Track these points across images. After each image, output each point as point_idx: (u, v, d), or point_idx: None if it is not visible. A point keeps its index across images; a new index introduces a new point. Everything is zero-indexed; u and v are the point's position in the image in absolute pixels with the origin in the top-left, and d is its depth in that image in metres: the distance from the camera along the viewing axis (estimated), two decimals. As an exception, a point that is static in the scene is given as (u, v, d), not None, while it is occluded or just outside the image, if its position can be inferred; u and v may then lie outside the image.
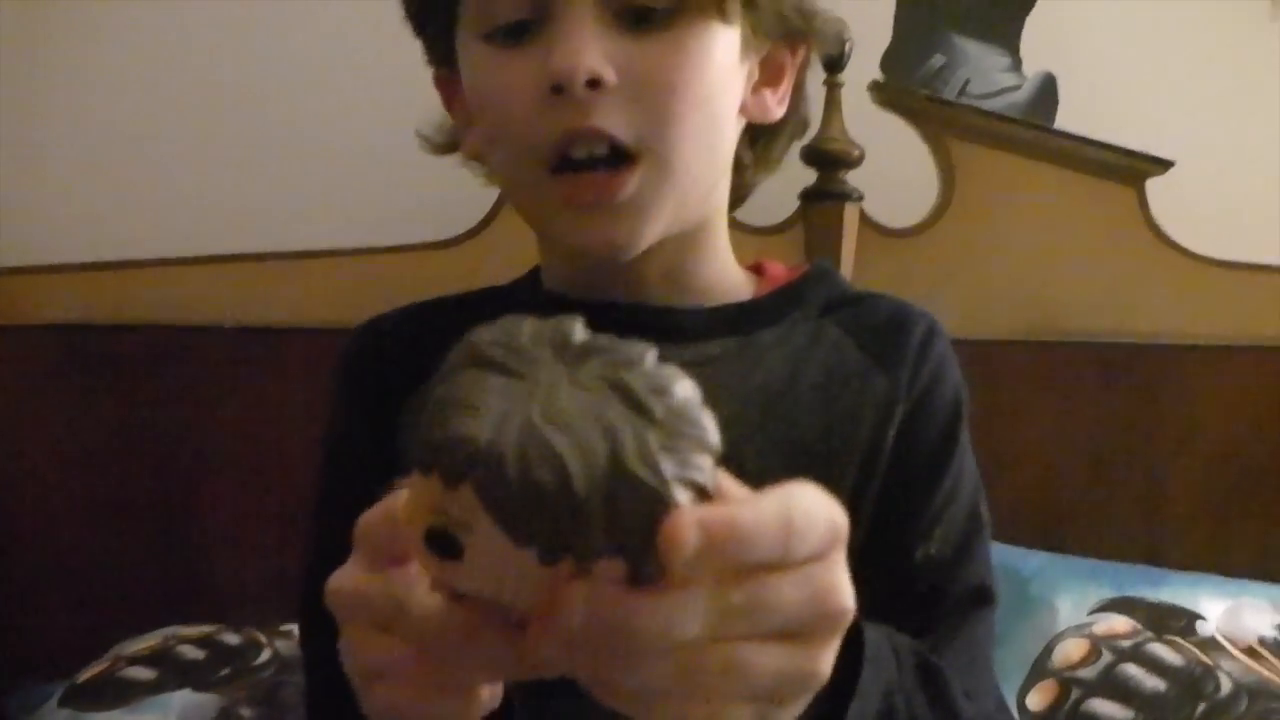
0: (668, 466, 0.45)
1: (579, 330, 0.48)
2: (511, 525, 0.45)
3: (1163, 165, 1.70)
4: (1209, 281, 1.72)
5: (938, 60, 1.81)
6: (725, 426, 0.77)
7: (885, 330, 0.85)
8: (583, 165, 0.76)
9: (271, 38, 1.86)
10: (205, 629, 1.58)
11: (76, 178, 1.89)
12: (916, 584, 0.81)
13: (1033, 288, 1.71)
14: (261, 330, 1.77)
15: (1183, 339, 1.72)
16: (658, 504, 0.45)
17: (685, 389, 0.48)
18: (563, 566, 0.45)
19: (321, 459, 0.90)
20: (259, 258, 1.79)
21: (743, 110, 0.84)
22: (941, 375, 0.85)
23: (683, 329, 0.83)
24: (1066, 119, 1.82)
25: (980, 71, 1.82)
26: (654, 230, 0.79)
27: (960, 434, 0.85)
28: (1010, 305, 1.69)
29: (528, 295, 0.90)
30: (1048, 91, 1.83)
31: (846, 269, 1.63)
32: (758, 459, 0.79)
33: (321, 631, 0.74)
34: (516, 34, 0.78)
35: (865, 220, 1.68)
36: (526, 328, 0.48)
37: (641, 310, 0.83)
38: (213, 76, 1.86)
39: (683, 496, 0.45)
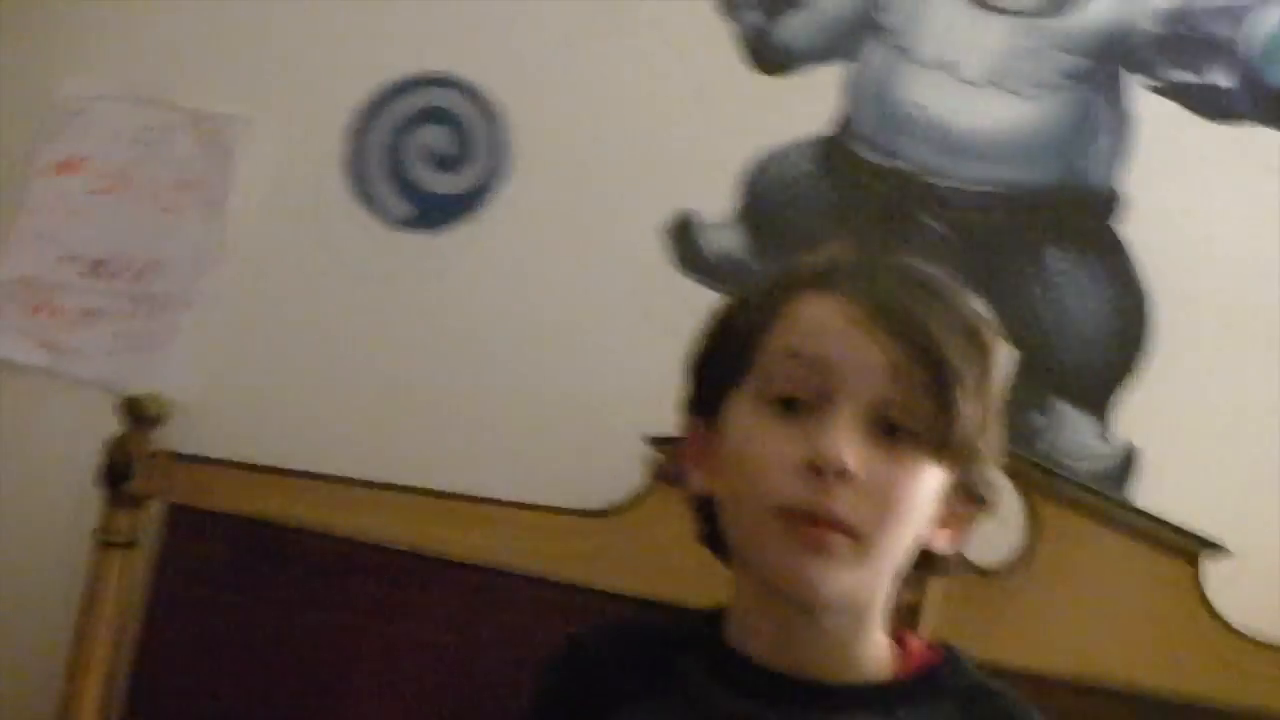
0: None
1: None
2: None
3: (1218, 550, 1.93)
4: (1249, 658, 1.94)
5: (1038, 419, 2.08)
6: None
7: None
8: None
9: (482, 291, 2.14)
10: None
11: (278, 383, 2.19)
12: None
13: (1096, 638, 1.93)
14: (418, 556, 2.00)
15: (1220, 704, 1.93)
16: None
17: None
18: None
19: None
20: (423, 493, 2.03)
21: (922, 538, 1.08)
22: None
23: (838, 704, 1.06)
24: (1145, 488, 2.06)
25: (1072, 435, 2.08)
26: (845, 586, 1.02)
27: None
28: (1074, 651, 1.92)
29: (709, 644, 1.11)
30: (1129, 461, 2.08)
31: (936, 601, 1.87)
32: None
33: None
34: (789, 407, 1.01)
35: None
36: None
37: (808, 683, 1.06)
38: (420, 326, 2.15)
39: None
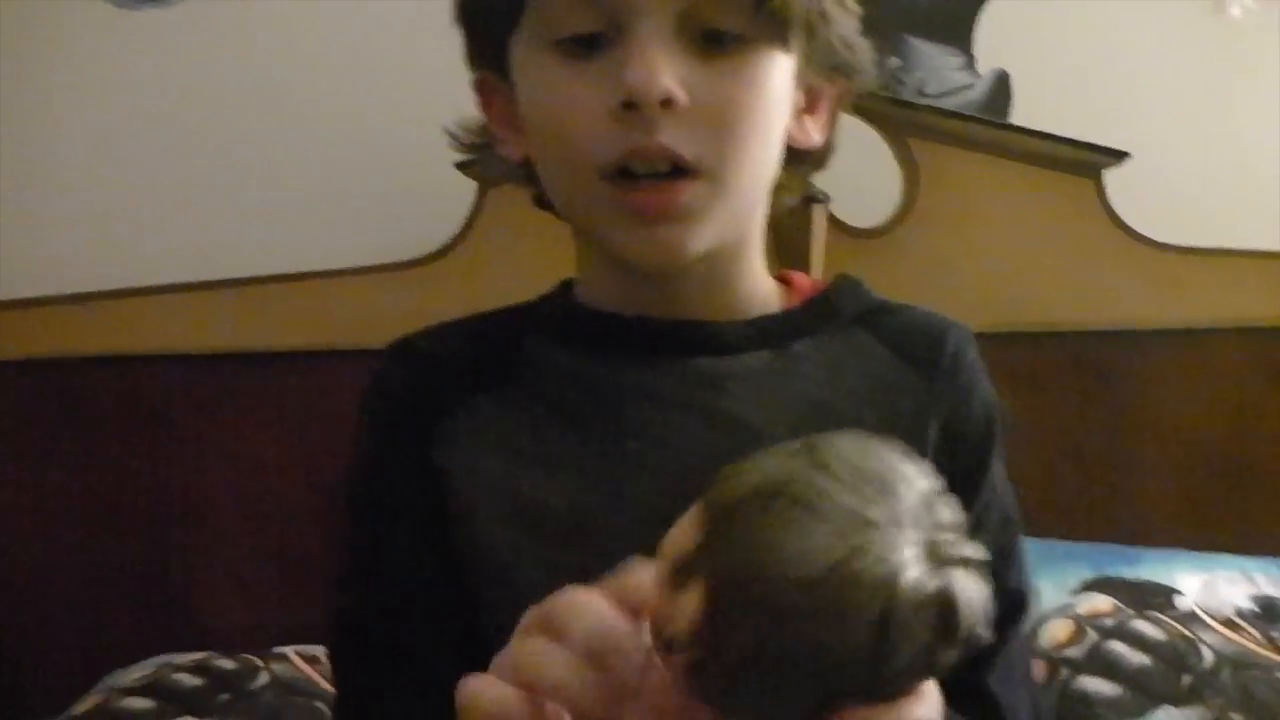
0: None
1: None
2: None
3: (1118, 156, 1.73)
4: (1169, 268, 1.76)
5: (894, 62, 1.85)
6: (766, 435, 0.80)
7: (920, 339, 0.90)
8: (641, 176, 0.79)
9: (228, 63, 1.86)
10: (196, 656, 1.58)
11: (37, 210, 1.89)
12: None
13: (999, 282, 1.74)
14: (230, 356, 1.76)
15: (1146, 325, 1.76)
16: None
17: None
18: None
19: (354, 489, 0.91)
20: (225, 284, 1.78)
21: (787, 136, 0.87)
22: (974, 388, 0.90)
23: (723, 342, 0.86)
24: (1020, 116, 1.86)
25: (935, 71, 1.86)
26: (705, 240, 0.82)
27: (994, 446, 0.90)
28: (977, 300, 1.71)
29: (562, 311, 0.92)
30: (1001, 89, 1.87)
31: (816, 271, 1.65)
32: None
33: (363, 665, 0.76)
34: (586, 46, 0.79)
35: (833, 222, 1.71)
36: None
37: (682, 325, 0.86)
38: (166, 106, 1.86)
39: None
